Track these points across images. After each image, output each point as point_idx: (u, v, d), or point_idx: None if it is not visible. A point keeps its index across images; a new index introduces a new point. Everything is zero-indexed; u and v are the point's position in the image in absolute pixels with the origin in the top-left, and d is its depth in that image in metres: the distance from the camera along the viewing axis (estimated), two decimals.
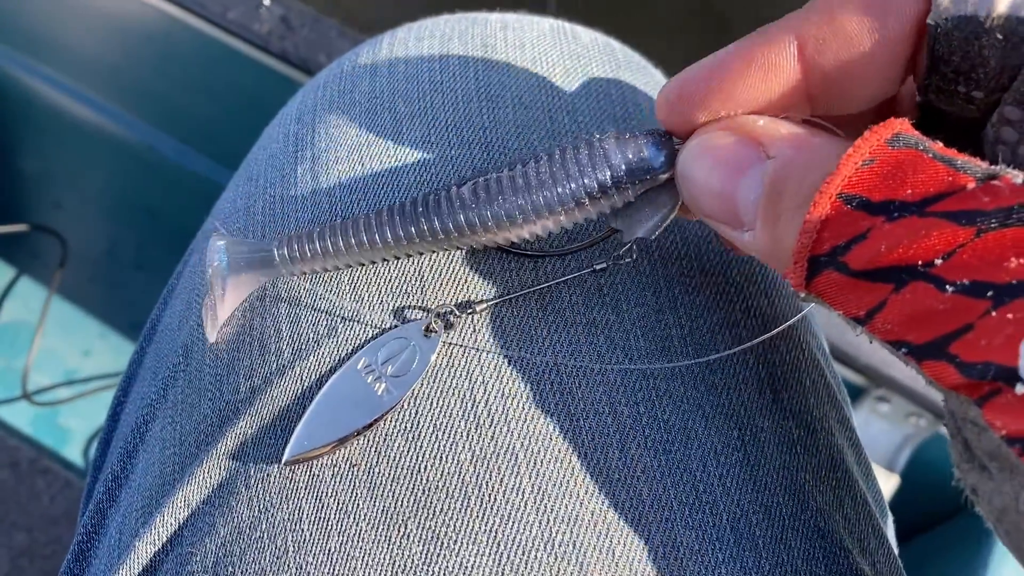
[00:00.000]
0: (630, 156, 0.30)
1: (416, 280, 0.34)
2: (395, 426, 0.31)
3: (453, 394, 0.31)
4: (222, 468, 0.33)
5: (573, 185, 0.30)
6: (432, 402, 0.31)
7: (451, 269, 0.34)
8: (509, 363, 0.32)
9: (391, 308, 0.33)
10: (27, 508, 0.98)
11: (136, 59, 0.95)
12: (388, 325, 0.33)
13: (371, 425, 0.31)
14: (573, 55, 0.40)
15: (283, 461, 0.31)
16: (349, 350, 0.33)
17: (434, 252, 0.34)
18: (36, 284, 1.12)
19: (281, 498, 0.31)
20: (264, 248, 0.33)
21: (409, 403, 0.31)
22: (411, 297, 0.33)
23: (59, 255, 1.07)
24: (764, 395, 0.33)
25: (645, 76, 0.42)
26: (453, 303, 0.33)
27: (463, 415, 0.31)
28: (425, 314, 0.33)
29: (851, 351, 0.75)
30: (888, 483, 0.80)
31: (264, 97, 0.87)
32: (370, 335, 0.33)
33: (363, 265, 0.34)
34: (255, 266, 0.33)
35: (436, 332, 0.32)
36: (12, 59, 1.00)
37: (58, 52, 0.99)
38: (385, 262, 0.34)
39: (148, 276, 1.12)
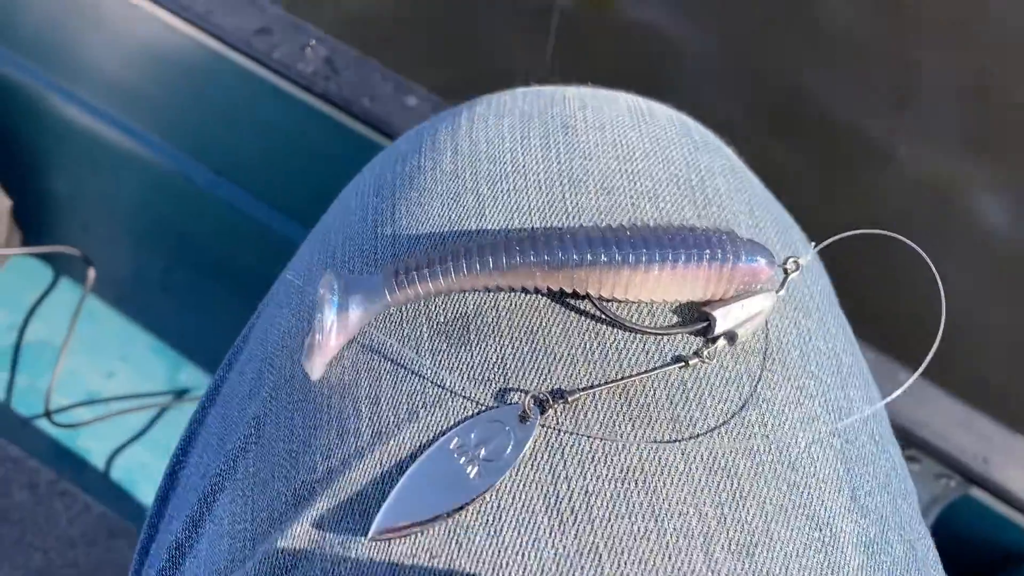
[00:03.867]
0: (758, 258, 0.33)
1: (498, 363, 0.34)
2: (476, 518, 0.31)
3: (536, 487, 0.31)
4: (296, 549, 0.33)
5: (705, 251, 0.33)
6: (514, 495, 0.31)
7: (534, 355, 0.34)
8: (593, 458, 0.32)
9: (479, 384, 0.34)
10: (44, 529, 0.98)
11: (174, 89, 0.96)
12: (480, 402, 0.33)
13: (460, 509, 0.31)
14: (652, 137, 0.41)
15: (370, 535, 0.31)
16: (436, 430, 0.33)
17: (538, 291, 0.35)
18: (62, 304, 1.12)
19: None
20: (373, 279, 0.34)
21: (490, 494, 0.32)
22: (494, 377, 0.34)
23: (86, 276, 1.07)
24: (842, 493, 0.33)
25: (721, 158, 0.42)
26: (547, 389, 0.33)
27: (546, 510, 0.31)
28: (521, 396, 0.33)
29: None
30: None
31: (305, 136, 0.88)
32: (456, 411, 0.33)
33: (467, 292, 0.35)
34: (364, 299, 0.34)
35: (531, 418, 0.32)
36: (49, 83, 1.01)
37: (96, 79, 0.99)
38: (488, 291, 0.35)
39: (174, 300, 1.12)
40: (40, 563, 0.97)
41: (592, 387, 0.33)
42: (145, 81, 0.97)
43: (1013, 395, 1.14)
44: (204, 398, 0.43)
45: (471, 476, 0.31)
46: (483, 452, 0.32)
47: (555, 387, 0.33)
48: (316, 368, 0.35)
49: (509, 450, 0.32)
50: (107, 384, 1.11)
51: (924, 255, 0.38)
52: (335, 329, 0.34)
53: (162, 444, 1.08)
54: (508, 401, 0.33)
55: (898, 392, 0.37)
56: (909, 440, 0.75)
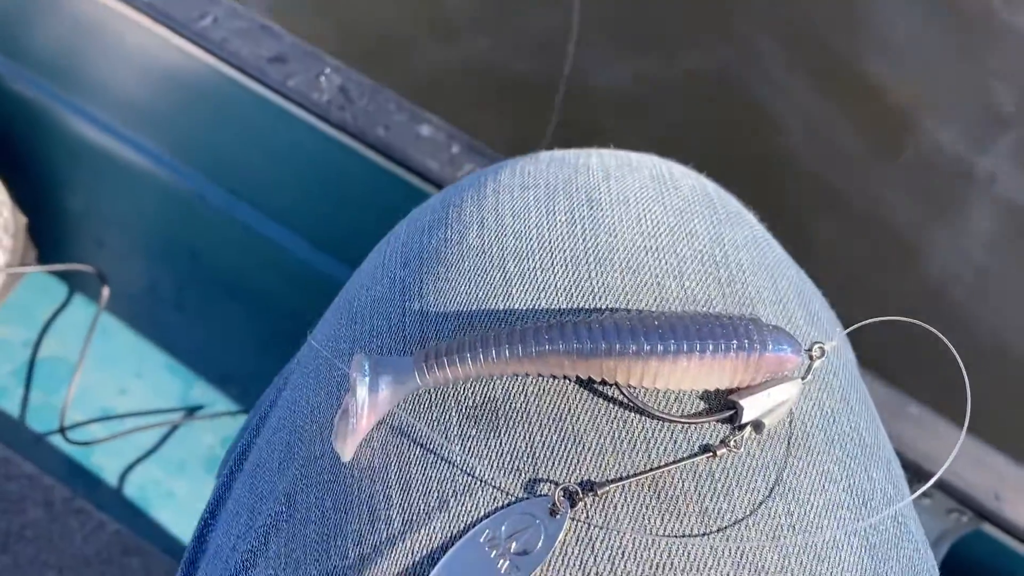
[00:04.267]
0: (784, 346, 0.33)
1: (527, 450, 0.34)
2: None
3: None
4: None
5: (732, 341, 0.34)
6: None
7: (563, 442, 0.34)
8: (623, 553, 0.32)
9: (508, 474, 0.34)
10: (59, 547, 0.99)
11: (190, 112, 0.96)
12: (509, 492, 0.34)
13: None
14: (676, 210, 0.41)
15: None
16: (467, 519, 0.33)
17: (567, 378, 0.35)
18: (76, 321, 1.13)
19: None
20: (403, 361, 0.35)
21: None
22: (523, 464, 0.34)
23: (100, 294, 1.08)
24: None
25: (744, 228, 0.42)
26: (576, 479, 0.34)
27: None
28: (551, 487, 0.33)
29: (894, 444, 0.76)
30: None
31: (319, 161, 0.88)
32: (486, 501, 0.34)
33: (496, 378, 0.36)
34: (394, 380, 0.34)
35: (561, 511, 0.33)
36: (66, 102, 1.01)
37: (113, 99, 1.00)
38: (516, 377, 0.35)
39: (187, 318, 1.13)
40: None
41: (621, 479, 0.33)
42: (161, 102, 0.98)
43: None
44: (232, 461, 0.43)
45: (502, 570, 0.32)
46: (514, 546, 0.32)
47: (584, 478, 0.34)
48: (348, 450, 0.35)
49: (540, 544, 0.32)
50: (121, 401, 1.11)
51: (949, 344, 0.38)
52: (366, 411, 0.34)
53: (176, 461, 1.09)
54: (538, 492, 0.33)
55: (924, 488, 0.37)
56: (920, 475, 0.76)
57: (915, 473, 0.77)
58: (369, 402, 0.34)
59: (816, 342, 0.37)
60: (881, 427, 0.41)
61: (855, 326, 0.42)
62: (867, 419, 0.40)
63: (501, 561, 0.32)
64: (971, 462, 0.75)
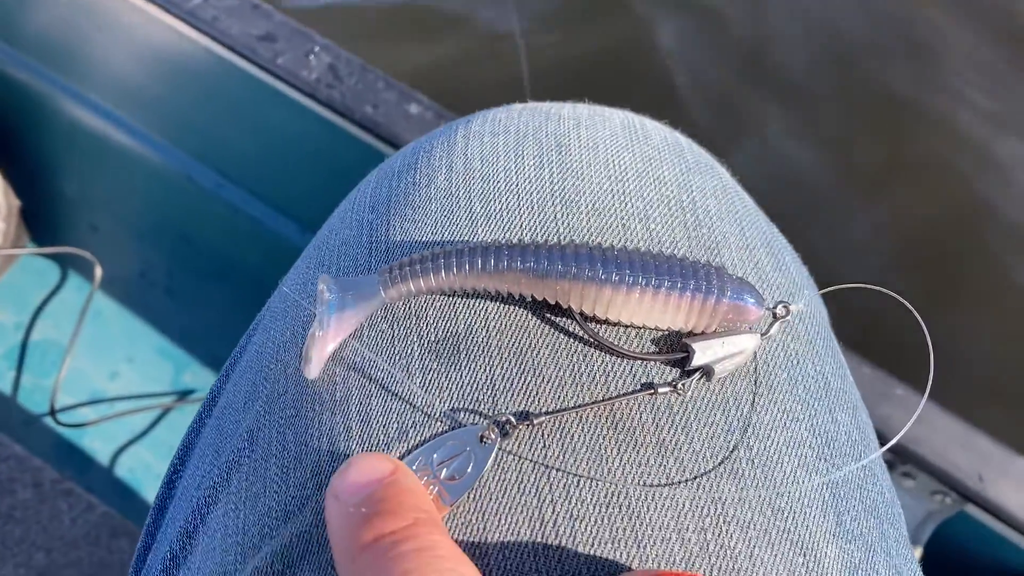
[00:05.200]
0: (746, 297, 0.33)
1: (487, 383, 0.34)
2: (462, 538, 0.32)
3: (522, 512, 0.32)
4: (284, 564, 0.33)
5: (690, 282, 0.34)
6: (501, 518, 0.32)
7: (522, 375, 0.34)
8: (578, 483, 0.32)
9: (457, 408, 0.34)
10: (48, 528, 0.99)
11: (181, 92, 0.97)
12: (448, 426, 0.34)
13: None
14: (645, 157, 0.41)
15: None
16: (411, 446, 0.34)
17: (523, 299, 0.35)
18: (68, 305, 1.13)
19: None
20: (367, 278, 0.35)
21: (478, 517, 0.32)
22: (481, 404, 0.34)
23: (92, 277, 1.08)
24: (828, 518, 0.34)
25: (713, 178, 0.42)
26: (511, 412, 0.34)
27: (531, 534, 0.31)
28: (484, 422, 0.34)
29: (878, 425, 0.76)
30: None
31: (308, 141, 0.88)
32: (434, 433, 0.34)
33: (457, 302, 0.36)
34: (359, 296, 0.35)
35: (491, 440, 0.33)
36: (59, 85, 1.02)
37: (105, 81, 1.00)
38: (478, 312, 0.36)
39: (177, 302, 1.13)
40: (43, 562, 0.98)
41: (557, 411, 0.33)
42: (153, 84, 0.98)
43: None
44: (202, 408, 0.43)
45: (431, 496, 0.32)
46: (444, 472, 0.32)
47: (542, 410, 0.34)
48: (313, 367, 0.35)
49: (469, 471, 0.32)
50: (112, 384, 1.12)
51: (915, 312, 0.38)
52: (332, 328, 0.35)
53: (166, 444, 1.09)
54: (471, 423, 0.34)
55: (891, 443, 0.37)
56: (905, 457, 0.76)
57: (900, 455, 0.77)
58: (335, 319, 0.35)
59: (781, 301, 0.37)
60: (849, 377, 0.41)
61: (826, 290, 0.42)
62: (834, 367, 0.40)
63: (431, 487, 0.32)
64: (954, 443, 0.75)
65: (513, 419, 0.33)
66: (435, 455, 0.33)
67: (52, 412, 1.06)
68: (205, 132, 0.98)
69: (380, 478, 0.29)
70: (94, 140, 1.03)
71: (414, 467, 0.33)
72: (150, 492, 1.08)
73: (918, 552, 0.80)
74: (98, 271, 1.08)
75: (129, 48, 0.95)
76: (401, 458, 0.33)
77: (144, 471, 1.09)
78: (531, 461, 0.33)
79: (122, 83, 1.00)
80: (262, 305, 0.47)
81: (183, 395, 1.12)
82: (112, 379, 1.12)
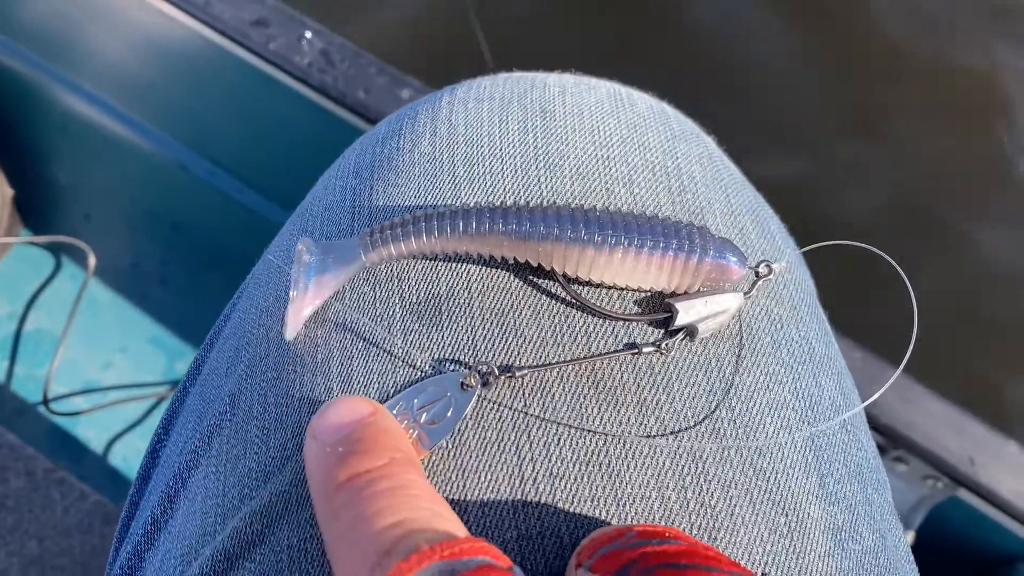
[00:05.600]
0: (728, 256, 0.33)
1: (469, 343, 0.34)
2: (442, 492, 0.32)
3: (501, 468, 0.32)
4: (263, 524, 0.33)
5: (672, 241, 0.34)
6: (480, 474, 0.32)
7: (504, 335, 0.34)
8: (559, 441, 0.32)
9: (439, 359, 0.34)
10: (40, 517, 0.99)
11: (174, 80, 0.97)
12: (430, 373, 0.34)
13: None
14: (630, 124, 0.41)
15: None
16: (390, 393, 0.34)
17: (505, 261, 0.35)
18: (62, 294, 1.13)
19: (321, 555, 0.32)
20: (348, 241, 0.35)
21: (457, 474, 0.32)
22: (464, 356, 0.34)
23: (86, 266, 1.08)
24: (810, 479, 0.34)
25: (699, 145, 0.42)
26: (494, 364, 0.34)
27: (511, 491, 0.31)
28: (465, 368, 0.34)
29: (870, 410, 0.76)
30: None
31: (300, 126, 0.88)
32: (412, 380, 0.34)
33: (439, 263, 0.36)
34: (339, 259, 0.35)
35: (471, 387, 0.33)
36: (52, 73, 1.01)
37: (97, 69, 1.00)
38: (460, 261, 0.36)
39: (171, 291, 1.13)
40: (35, 551, 0.97)
41: (539, 366, 0.33)
42: (145, 71, 0.98)
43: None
44: (185, 378, 0.43)
45: (410, 440, 0.32)
46: (424, 417, 0.32)
47: (504, 364, 0.34)
48: (291, 328, 0.35)
49: (449, 416, 0.32)
50: (105, 373, 1.11)
51: (901, 271, 0.38)
52: (311, 289, 0.35)
53: None
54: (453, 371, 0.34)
55: (875, 396, 0.37)
56: (897, 441, 0.76)
57: (893, 439, 0.77)
58: (314, 281, 0.35)
59: (763, 260, 0.37)
60: (835, 344, 0.41)
61: (810, 247, 0.42)
62: (818, 332, 0.39)
63: (411, 431, 0.32)
64: (946, 428, 0.75)
65: (496, 370, 0.33)
66: (415, 400, 0.33)
67: (45, 401, 1.05)
68: (198, 120, 0.98)
69: (359, 419, 0.29)
70: (87, 128, 1.03)
71: (394, 411, 0.33)
72: None
73: (910, 536, 0.80)
74: (91, 260, 1.08)
75: (121, 35, 0.95)
76: (382, 402, 0.33)
77: (137, 460, 1.08)
78: (511, 409, 0.33)
79: (115, 71, 1.00)
80: None
81: (176, 384, 1.11)
82: (105, 368, 1.12)
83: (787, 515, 0.32)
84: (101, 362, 1.11)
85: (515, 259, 0.35)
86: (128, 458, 1.08)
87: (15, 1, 0.99)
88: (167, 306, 1.13)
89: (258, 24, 0.84)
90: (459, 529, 0.26)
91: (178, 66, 0.93)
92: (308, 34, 0.84)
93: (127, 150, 1.03)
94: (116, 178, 1.09)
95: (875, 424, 0.76)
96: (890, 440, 0.76)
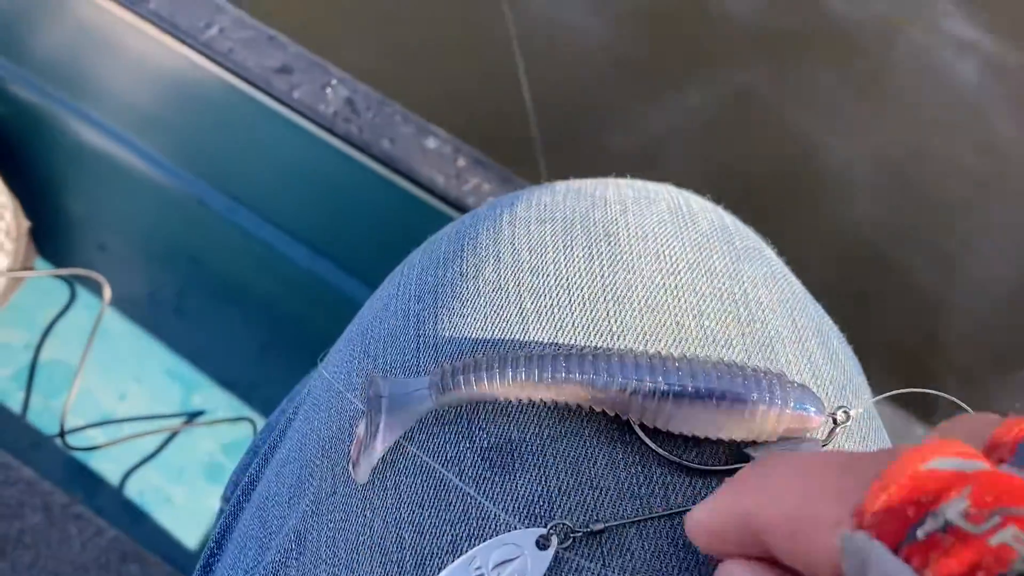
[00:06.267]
0: (808, 406, 0.33)
1: (544, 493, 0.34)
2: None
3: None
4: None
5: (753, 394, 0.33)
6: None
7: (579, 486, 0.34)
8: None
9: (513, 511, 0.34)
10: (57, 553, 0.98)
11: (194, 119, 0.96)
12: (505, 527, 0.34)
13: None
14: (695, 245, 0.41)
15: None
16: (465, 548, 0.33)
17: (580, 408, 0.35)
18: (77, 325, 1.12)
19: None
20: (419, 380, 0.35)
21: None
22: (539, 507, 0.34)
23: (102, 298, 1.07)
24: None
25: (763, 264, 0.42)
26: (574, 521, 0.33)
27: None
28: (543, 528, 0.33)
29: None
30: None
31: (324, 172, 0.88)
32: (486, 531, 0.34)
33: (512, 409, 0.36)
34: (411, 400, 0.34)
35: (550, 546, 0.32)
36: (69, 106, 1.01)
37: (116, 105, 0.99)
38: (532, 404, 0.35)
39: (187, 323, 1.13)
40: None
41: (619, 522, 0.33)
42: (165, 109, 0.97)
43: None
44: (240, 491, 0.43)
45: None
46: (499, 575, 0.32)
47: (582, 520, 0.33)
48: (362, 473, 0.35)
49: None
50: (121, 405, 1.11)
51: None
52: (383, 431, 0.34)
53: (175, 467, 1.09)
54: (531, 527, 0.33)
55: None
56: None
57: None
58: (385, 423, 0.34)
59: (841, 406, 0.36)
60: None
61: (887, 394, 0.41)
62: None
63: None
64: None
65: (570, 525, 0.33)
66: (491, 556, 0.33)
67: (61, 434, 1.05)
68: (218, 158, 0.98)
69: None
70: (104, 162, 1.03)
71: (470, 565, 0.32)
72: (160, 515, 1.07)
73: None
74: (107, 291, 1.07)
75: (141, 75, 0.94)
76: (455, 543, 0.33)
77: (154, 494, 1.08)
78: (591, 572, 0.32)
79: (133, 106, 0.99)
80: (271, 328, 0.46)
81: (192, 416, 1.11)
82: (121, 400, 1.11)
83: None
84: (117, 393, 1.11)
85: (591, 408, 0.34)
86: (145, 493, 1.08)
87: (35, 36, 0.98)
88: (183, 338, 1.13)
89: (282, 71, 0.83)
90: None
91: (199, 107, 0.92)
92: (333, 81, 0.83)
93: (144, 184, 1.03)
94: (132, 210, 1.09)
95: None
96: None
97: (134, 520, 1.07)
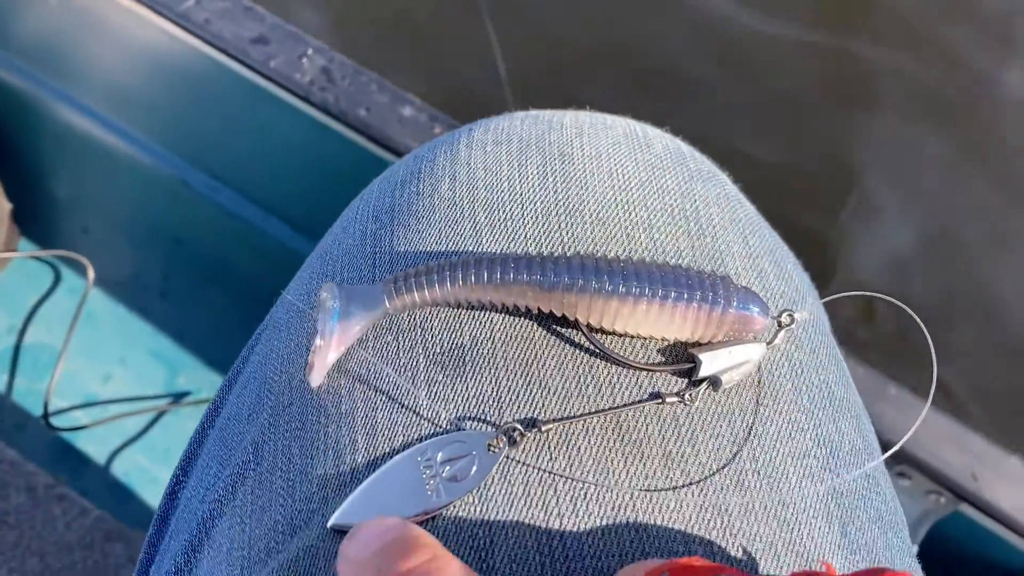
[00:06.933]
0: (751, 307, 0.33)
1: (493, 395, 0.35)
2: (469, 549, 0.32)
3: (528, 524, 0.32)
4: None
5: (696, 292, 0.34)
6: (507, 531, 0.32)
7: (528, 387, 0.35)
8: (584, 495, 0.32)
9: (464, 415, 0.34)
10: (42, 534, 0.98)
11: (174, 96, 0.96)
12: (456, 428, 0.34)
13: (417, 520, 0.32)
14: (648, 165, 0.41)
15: (328, 525, 0.33)
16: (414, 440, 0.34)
17: (528, 311, 0.35)
18: (61, 308, 1.13)
19: None
20: (372, 288, 0.35)
21: (484, 530, 0.32)
22: (487, 416, 0.34)
23: (85, 280, 1.07)
24: (833, 529, 0.34)
25: (716, 186, 0.43)
26: (518, 420, 0.34)
27: (537, 546, 0.32)
28: (494, 429, 0.34)
29: (873, 424, 0.76)
30: None
31: (302, 143, 0.88)
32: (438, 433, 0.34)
33: (463, 313, 0.36)
34: (363, 305, 0.35)
35: (499, 449, 0.33)
36: (50, 87, 1.01)
37: (97, 84, 1.00)
38: (483, 324, 0.36)
39: (171, 305, 1.13)
40: (37, 567, 0.97)
41: (564, 419, 0.33)
42: (144, 86, 0.97)
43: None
44: (204, 418, 0.43)
45: (428, 491, 0.32)
46: (446, 470, 0.32)
47: (527, 418, 0.34)
48: (315, 376, 0.35)
49: (472, 475, 0.33)
50: (105, 387, 1.11)
51: (920, 321, 0.38)
52: (336, 336, 0.35)
53: (160, 448, 1.09)
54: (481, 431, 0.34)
55: (892, 450, 0.37)
56: (899, 456, 0.76)
57: (895, 454, 0.77)
58: (338, 327, 0.35)
59: (786, 309, 0.37)
60: (852, 385, 0.41)
61: (830, 298, 0.42)
62: (837, 375, 0.40)
63: (431, 482, 0.32)
64: (948, 443, 0.75)
65: (520, 427, 0.33)
66: (440, 453, 0.33)
67: (45, 416, 1.05)
68: (198, 135, 0.98)
69: (391, 528, 0.29)
70: (86, 143, 1.03)
71: (419, 458, 0.33)
72: (145, 496, 1.07)
73: (913, 550, 0.81)
74: (91, 273, 1.07)
75: (120, 51, 0.94)
76: (402, 434, 0.33)
77: (139, 474, 1.08)
78: (537, 469, 0.33)
79: (113, 86, 0.99)
80: (256, 307, 0.47)
81: (177, 398, 1.11)
82: (105, 382, 1.11)
83: (810, 566, 0.33)
84: (101, 375, 1.11)
85: (539, 309, 0.35)
86: (129, 473, 1.08)
87: (14, 16, 0.98)
88: (167, 319, 1.13)
89: (258, 41, 0.84)
90: None
91: (178, 82, 0.93)
92: (309, 51, 0.84)
93: (126, 164, 1.03)
94: (115, 192, 1.09)
95: (883, 443, 0.76)
96: (892, 456, 0.77)
97: (120, 501, 1.07)
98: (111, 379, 1.11)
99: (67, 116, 1.02)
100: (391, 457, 0.34)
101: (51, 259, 1.13)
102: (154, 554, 0.42)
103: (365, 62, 0.84)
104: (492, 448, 0.33)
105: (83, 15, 0.93)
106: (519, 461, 0.33)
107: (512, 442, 0.33)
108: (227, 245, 1.06)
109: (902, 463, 0.77)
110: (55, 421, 1.06)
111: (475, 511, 0.32)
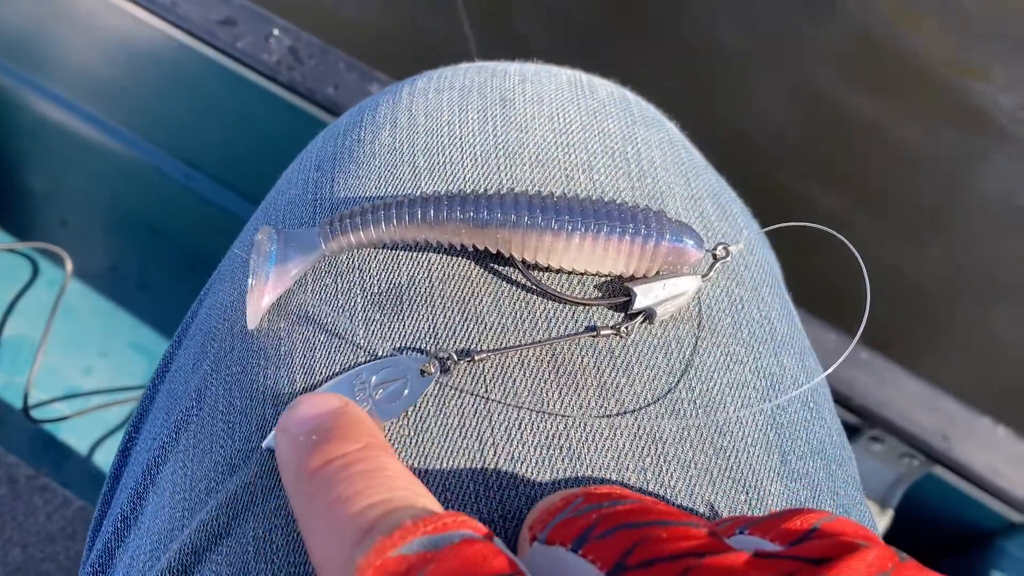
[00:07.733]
0: (685, 240, 0.33)
1: (430, 331, 0.35)
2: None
3: (463, 454, 0.32)
4: (230, 516, 0.33)
5: (629, 226, 0.34)
6: (442, 460, 0.32)
7: (465, 323, 0.35)
8: (520, 425, 0.32)
9: (400, 349, 0.34)
10: (24, 525, 0.98)
11: (145, 82, 0.96)
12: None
13: None
14: (590, 111, 0.41)
15: (263, 445, 0.33)
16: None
17: (464, 249, 0.35)
18: (39, 300, 1.12)
19: (287, 544, 0.32)
20: (309, 231, 0.35)
21: (419, 459, 0.32)
22: (425, 344, 0.34)
23: (63, 272, 1.07)
24: (772, 457, 0.34)
25: (659, 131, 0.43)
26: (453, 349, 0.34)
27: (472, 476, 0.32)
28: (425, 355, 0.34)
29: (844, 391, 0.76)
30: (882, 520, 0.81)
31: (271, 124, 0.88)
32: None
33: (400, 253, 0.36)
34: (300, 248, 0.35)
35: (430, 374, 0.33)
36: (23, 79, 1.01)
37: (69, 74, 1.00)
38: (421, 251, 0.36)
39: (150, 295, 1.13)
40: (19, 558, 0.97)
41: (497, 350, 0.33)
42: (116, 74, 0.97)
43: None
44: (155, 375, 0.43)
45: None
46: (380, 393, 0.33)
47: (462, 348, 0.34)
48: (252, 317, 0.35)
49: (404, 397, 0.33)
50: (86, 379, 1.11)
51: (855, 250, 0.38)
52: (271, 277, 0.35)
53: None
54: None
55: (831, 368, 0.37)
56: (872, 420, 0.76)
57: (868, 418, 0.77)
58: (275, 270, 0.35)
59: (721, 243, 0.37)
60: (798, 325, 0.41)
61: (769, 228, 0.42)
62: (781, 312, 0.40)
63: (366, 404, 0.32)
64: (919, 405, 0.75)
65: (455, 355, 0.33)
66: (374, 377, 0.33)
67: (26, 408, 1.05)
68: (171, 122, 0.98)
69: (329, 410, 0.29)
70: (60, 134, 1.03)
71: (352, 381, 0.33)
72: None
73: (889, 515, 0.81)
74: (69, 265, 1.07)
75: (90, 38, 0.95)
76: (340, 372, 0.33)
77: None
78: (471, 395, 0.33)
79: (85, 75, 0.99)
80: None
81: None
82: (86, 374, 1.11)
83: (747, 492, 0.33)
84: (82, 367, 1.11)
85: (475, 247, 0.35)
86: (110, 464, 1.08)
87: None
88: (147, 310, 1.13)
89: (225, 23, 0.84)
90: (437, 507, 0.26)
91: (148, 68, 0.93)
92: (276, 31, 0.84)
93: (101, 154, 1.03)
94: (91, 183, 1.09)
95: (850, 404, 0.76)
96: (865, 420, 0.77)
97: (100, 490, 1.07)
98: (92, 371, 1.11)
99: (40, 107, 1.02)
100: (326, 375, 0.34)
101: (29, 251, 1.13)
102: (107, 510, 0.42)
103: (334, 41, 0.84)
104: (425, 373, 0.33)
105: (51, 3, 0.93)
106: (454, 387, 0.33)
107: (445, 369, 0.33)
108: (203, 232, 1.06)
109: (875, 427, 0.77)
110: (35, 413, 1.06)
111: (411, 442, 0.32)
